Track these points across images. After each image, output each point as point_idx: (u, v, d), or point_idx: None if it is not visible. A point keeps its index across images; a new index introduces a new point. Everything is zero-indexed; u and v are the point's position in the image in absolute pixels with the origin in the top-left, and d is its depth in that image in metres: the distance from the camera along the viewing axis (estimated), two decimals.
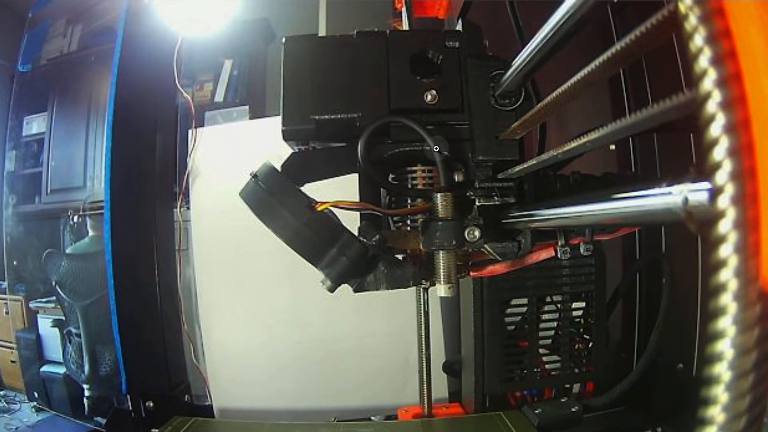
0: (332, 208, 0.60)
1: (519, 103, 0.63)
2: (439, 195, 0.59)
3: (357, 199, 0.64)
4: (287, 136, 0.65)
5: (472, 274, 0.74)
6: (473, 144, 0.64)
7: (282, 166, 0.63)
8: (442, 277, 0.61)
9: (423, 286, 0.66)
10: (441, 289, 0.61)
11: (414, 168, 0.65)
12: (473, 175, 0.64)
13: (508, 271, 0.72)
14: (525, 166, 0.56)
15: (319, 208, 0.59)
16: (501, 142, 0.63)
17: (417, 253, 0.65)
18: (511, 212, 0.62)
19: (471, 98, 0.64)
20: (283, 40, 0.66)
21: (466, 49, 0.65)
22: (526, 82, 0.61)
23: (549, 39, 0.46)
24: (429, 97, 0.63)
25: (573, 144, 0.40)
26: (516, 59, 0.56)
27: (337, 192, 0.63)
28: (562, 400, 1.23)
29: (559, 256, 0.62)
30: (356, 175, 0.65)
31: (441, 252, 0.60)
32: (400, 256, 0.67)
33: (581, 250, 0.61)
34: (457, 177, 0.64)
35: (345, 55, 0.65)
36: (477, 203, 0.64)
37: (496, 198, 0.64)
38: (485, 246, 0.64)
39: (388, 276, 0.64)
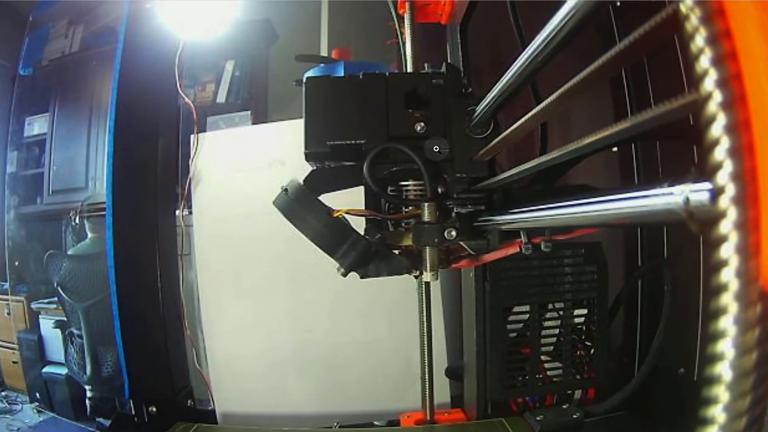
0: (345, 215, 0.77)
1: (488, 132, 0.77)
2: (426, 204, 0.77)
3: (363, 207, 0.82)
4: (309, 158, 0.80)
5: (453, 265, 0.90)
6: (452, 164, 0.78)
7: (304, 180, 0.78)
8: (428, 266, 0.79)
9: (414, 273, 0.82)
10: (427, 276, 0.79)
11: (407, 183, 0.81)
12: (452, 189, 0.78)
13: (482, 263, 0.90)
14: (492, 181, 0.71)
15: (335, 215, 0.76)
16: (474, 163, 0.77)
17: (409, 248, 0.82)
18: (482, 217, 0.78)
19: (452, 128, 0.78)
20: (304, 79, 0.80)
21: (449, 86, 0.79)
22: (495, 115, 0.74)
23: (512, 83, 0.54)
24: (419, 127, 0.77)
25: (555, 154, 0.44)
26: (485, 98, 0.67)
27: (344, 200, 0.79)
28: (564, 406, 1.23)
29: (522, 251, 0.74)
30: (362, 187, 0.80)
31: (427, 247, 0.78)
32: (396, 251, 0.83)
33: (542, 247, 0.73)
34: (440, 190, 0.78)
35: (353, 92, 0.79)
36: (455, 210, 0.80)
37: (469, 206, 0.80)
38: (462, 243, 0.79)
39: (387, 265, 0.80)
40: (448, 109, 0.79)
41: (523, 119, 0.49)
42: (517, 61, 0.49)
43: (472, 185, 0.78)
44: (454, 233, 0.76)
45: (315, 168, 0.83)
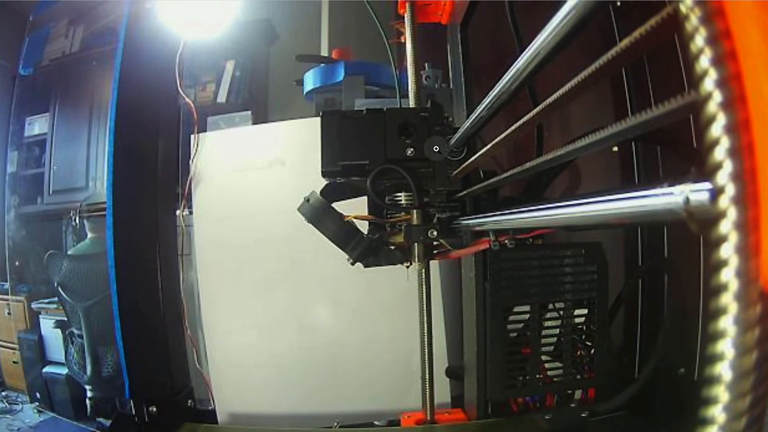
0: (353, 219, 0.98)
1: (462, 156, 0.95)
2: (414, 210, 0.99)
3: (366, 213, 1.02)
4: (325, 175, 1.00)
5: (437, 258, 1.10)
6: (434, 180, 0.98)
7: (321, 192, 0.98)
8: (416, 258, 1.02)
9: (405, 264, 1.03)
10: (415, 266, 1.03)
11: (400, 194, 1.01)
12: (434, 199, 0.99)
13: (458, 256, 1.11)
14: (463, 193, 0.93)
15: (346, 219, 0.97)
16: (451, 179, 0.97)
17: (402, 244, 1.02)
18: (456, 220, 0.98)
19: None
20: (321, 113, 1.00)
21: (433, 119, 0.99)
22: (469, 142, 0.92)
23: (481, 117, 0.64)
24: (409, 152, 0.98)
25: (528, 165, 0.50)
26: (459, 129, 0.84)
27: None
28: (572, 405, 1.23)
29: (491, 248, 1.03)
30: (366, 197, 1.01)
31: (416, 244, 1.01)
32: (392, 247, 1.03)
33: (507, 244, 1.02)
34: (425, 199, 0.99)
35: (359, 124, 0.99)
36: (436, 215, 1.00)
37: (447, 212, 1.00)
38: (441, 240, 1.00)
39: (385, 257, 1.02)
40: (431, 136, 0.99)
41: (491, 144, 0.58)
42: (497, 85, 0.54)
43: (450, 196, 0.99)
44: (435, 233, 0.98)
45: (329, 182, 1.02)
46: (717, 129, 0.23)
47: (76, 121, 2.56)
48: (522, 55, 0.44)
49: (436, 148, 0.96)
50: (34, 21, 2.79)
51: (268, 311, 1.63)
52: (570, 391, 1.25)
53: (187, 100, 1.76)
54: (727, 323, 0.23)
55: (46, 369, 2.30)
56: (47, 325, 2.37)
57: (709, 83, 0.23)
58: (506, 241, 1.07)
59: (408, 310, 1.40)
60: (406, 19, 1.15)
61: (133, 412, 1.47)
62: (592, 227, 0.99)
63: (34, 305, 2.44)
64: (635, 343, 1.51)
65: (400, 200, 1.01)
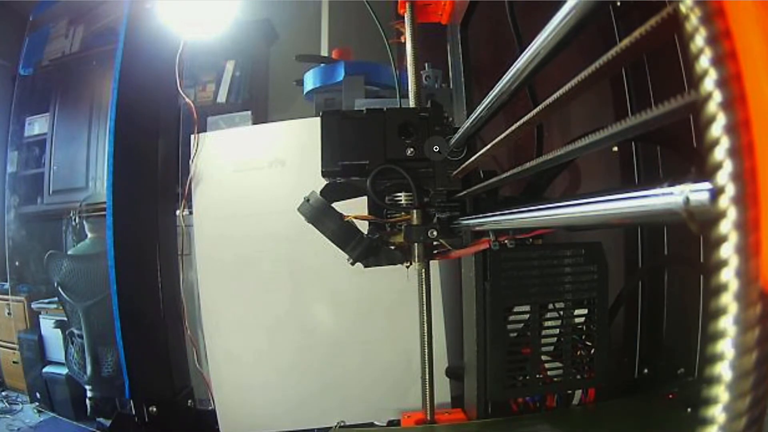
0: (353, 219, 0.98)
1: (462, 156, 0.96)
2: (414, 210, 0.99)
3: (366, 213, 1.02)
4: (325, 174, 1.00)
5: (437, 258, 1.10)
6: (434, 180, 0.99)
7: (321, 192, 0.99)
8: (416, 258, 1.03)
9: (405, 264, 1.03)
10: (415, 266, 1.03)
11: (399, 194, 1.01)
12: (434, 199, 1.00)
13: (458, 256, 1.12)
14: (463, 193, 0.94)
15: (346, 219, 0.97)
16: (451, 179, 0.98)
17: (402, 244, 1.03)
18: (456, 220, 0.98)
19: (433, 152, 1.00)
20: (321, 113, 1.01)
21: (433, 119, 0.99)
22: (469, 142, 0.93)
23: (481, 117, 0.65)
24: (409, 152, 0.99)
25: (528, 165, 0.50)
26: (459, 129, 0.85)
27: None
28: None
29: (491, 247, 1.03)
30: (366, 197, 1.01)
31: (416, 244, 1.01)
32: (392, 247, 1.03)
33: (507, 244, 1.03)
34: (425, 199, 1.00)
35: (359, 124, 1.00)
36: (436, 215, 1.00)
37: (447, 212, 1.00)
38: (441, 240, 1.00)
39: (385, 257, 1.02)
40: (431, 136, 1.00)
41: (491, 144, 0.58)
42: (497, 85, 0.54)
43: (450, 196, 1.00)
44: (435, 233, 0.98)
45: (329, 182, 1.02)
46: (717, 129, 0.23)
47: (76, 121, 2.56)
48: (522, 55, 0.44)
49: (436, 148, 0.97)
50: (34, 21, 2.79)
51: (268, 311, 1.63)
52: (570, 391, 1.25)
53: (187, 100, 1.76)
54: (727, 323, 0.23)
55: (46, 369, 2.30)
56: (47, 325, 2.36)
57: (709, 83, 0.23)
58: (506, 241, 1.07)
59: (408, 310, 1.40)
60: (406, 19, 1.15)
61: (133, 412, 1.47)
62: (592, 227, 0.98)
63: (34, 305, 2.44)
64: (635, 343, 1.51)
65: (400, 200, 1.01)
